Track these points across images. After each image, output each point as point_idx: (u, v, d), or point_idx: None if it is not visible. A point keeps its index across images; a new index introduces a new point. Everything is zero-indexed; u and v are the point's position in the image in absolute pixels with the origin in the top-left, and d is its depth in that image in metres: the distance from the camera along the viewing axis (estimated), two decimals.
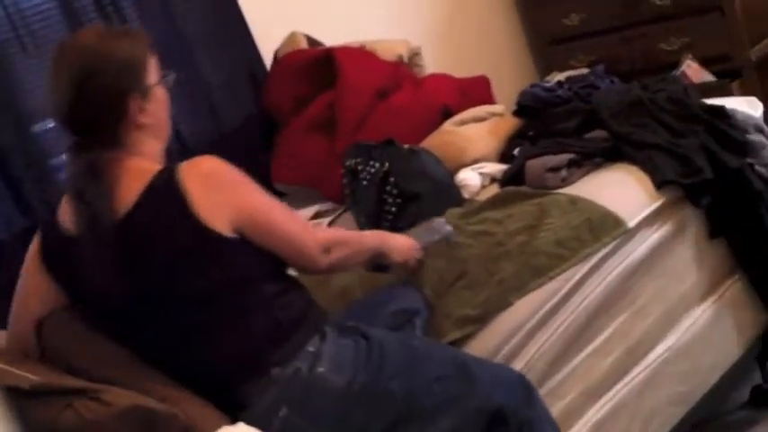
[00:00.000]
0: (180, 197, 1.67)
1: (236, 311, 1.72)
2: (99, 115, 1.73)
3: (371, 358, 1.76)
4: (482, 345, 2.01)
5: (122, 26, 1.87)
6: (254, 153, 3.23)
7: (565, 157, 2.48)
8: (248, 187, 1.77)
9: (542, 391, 2.01)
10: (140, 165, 1.74)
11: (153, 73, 1.81)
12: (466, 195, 2.60)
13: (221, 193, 1.70)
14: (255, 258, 1.75)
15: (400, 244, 2.08)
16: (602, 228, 2.20)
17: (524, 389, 1.90)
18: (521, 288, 2.07)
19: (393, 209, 2.53)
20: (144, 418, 1.51)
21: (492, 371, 1.91)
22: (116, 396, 1.54)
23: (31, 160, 2.81)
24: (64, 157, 2.90)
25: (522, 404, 1.86)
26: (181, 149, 3.15)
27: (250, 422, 1.60)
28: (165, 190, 1.69)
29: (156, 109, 1.80)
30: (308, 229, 1.94)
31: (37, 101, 2.88)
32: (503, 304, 2.04)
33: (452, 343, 2.02)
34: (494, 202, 2.43)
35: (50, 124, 2.93)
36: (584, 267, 2.14)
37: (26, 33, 2.89)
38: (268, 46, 3.39)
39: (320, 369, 1.71)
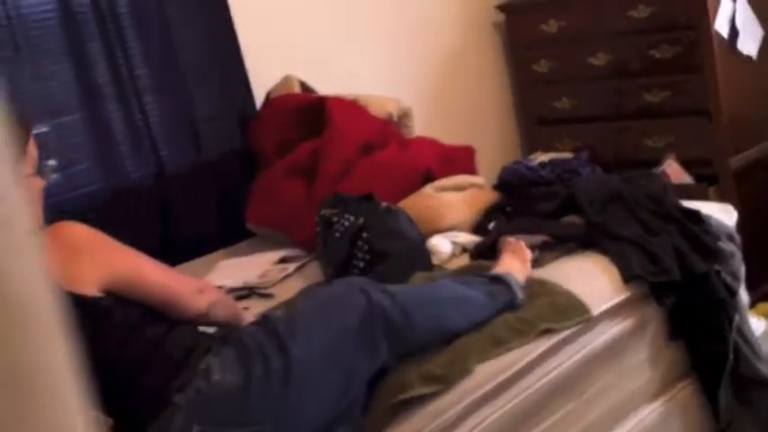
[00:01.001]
0: None
1: (131, 362, 1.76)
2: None
3: (250, 349, 1.81)
4: (437, 406, 1.98)
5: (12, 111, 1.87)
6: (232, 189, 3.23)
7: (538, 238, 2.49)
8: (107, 247, 1.81)
9: None
10: None
11: (28, 164, 1.78)
12: (435, 261, 2.60)
13: (80, 259, 1.72)
14: (133, 308, 1.79)
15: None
16: (567, 311, 2.20)
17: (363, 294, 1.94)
18: (480, 354, 2.06)
19: (361, 264, 2.52)
20: None
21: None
22: None
23: None
24: (50, 162, 2.90)
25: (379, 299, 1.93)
26: (160, 175, 3.15)
27: None
28: None
29: None
30: (178, 275, 1.99)
31: (26, 105, 2.87)
32: (464, 368, 2.02)
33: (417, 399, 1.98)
34: (461, 273, 2.43)
35: (41, 129, 2.92)
36: (543, 346, 2.12)
37: (22, 38, 2.88)
38: (261, 85, 3.41)
39: (215, 377, 1.76)
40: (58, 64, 2.95)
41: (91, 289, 1.71)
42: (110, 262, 1.77)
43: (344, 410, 1.88)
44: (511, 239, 2.39)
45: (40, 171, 1.83)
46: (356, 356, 1.89)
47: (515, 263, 2.30)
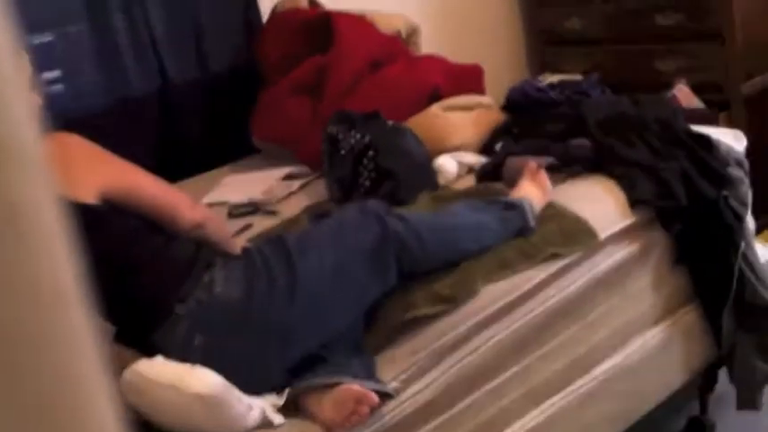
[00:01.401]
0: None
1: (131, 266, 1.77)
2: None
3: (256, 265, 1.82)
4: (441, 326, 1.99)
5: None
6: (238, 103, 3.20)
7: (546, 159, 2.47)
8: (103, 158, 1.82)
9: (485, 388, 2.01)
10: None
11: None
12: (441, 181, 2.58)
13: (76, 168, 1.72)
14: (130, 218, 1.81)
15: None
16: (574, 236, 2.19)
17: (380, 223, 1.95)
18: (485, 276, 2.06)
19: (367, 182, 2.51)
20: None
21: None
22: None
23: None
24: (42, 76, 2.87)
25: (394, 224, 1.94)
26: (165, 89, 3.12)
27: (170, 359, 1.65)
28: None
29: None
30: (173, 189, 2.01)
31: (25, 15, 2.82)
32: (471, 290, 2.02)
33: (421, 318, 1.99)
34: (468, 195, 2.42)
35: (35, 40, 2.88)
36: (548, 271, 2.13)
37: None
38: None
39: (217, 290, 1.77)
40: None
41: (88, 197, 1.72)
42: (105, 172, 1.78)
43: (348, 329, 1.90)
44: (533, 164, 2.36)
45: (35, 86, 1.82)
46: (367, 279, 1.89)
47: (534, 190, 2.28)
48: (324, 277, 1.84)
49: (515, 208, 2.19)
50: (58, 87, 2.97)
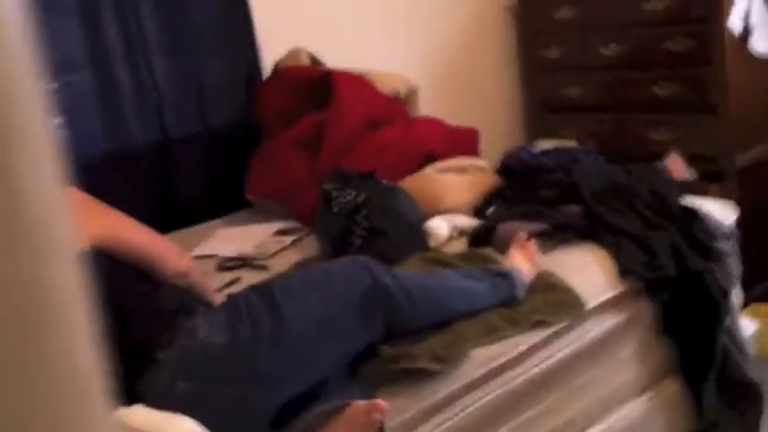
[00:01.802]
0: None
1: (118, 315, 1.75)
2: None
3: (240, 311, 1.83)
4: (426, 386, 1.98)
5: None
6: (235, 158, 3.23)
7: (537, 226, 2.49)
8: (91, 208, 1.84)
9: None
10: None
11: None
12: (432, 243, 2.60)
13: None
14: (120, 266, 1.82)
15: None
16: (561, 304, 2.20)
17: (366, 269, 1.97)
18: (474, 340, 2.07)
19: (358, 241, 2.52)
20: None
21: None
22: None
23: None
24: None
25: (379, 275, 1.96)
26: (164, 140, 3.15)
27: (151, 407, 1.63)
28: None
29: None
30: (160, 237, 2.03)
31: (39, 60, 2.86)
32: (462, 352, 2.03)
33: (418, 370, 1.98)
34: (458, 259, 2.43)
35: (50, 86, 2.91)
36: (535, 338, 2.14)
37: None
38: (270, 55, 3.40)
39: (200, 335, 1.78)
40: (68, 20, 2.93)
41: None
42: (95, 223, 1.80)
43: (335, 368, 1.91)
44: (522, 234, 2.38)
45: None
46: (353, 329, 1.90)
47: (524, 260, 2.30)
48: (309, 324, 1.85)
49: (505, 277, 2.20)
50: (59, 134, 2.99)
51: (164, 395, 1.70)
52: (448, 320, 2.07)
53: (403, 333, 1.99)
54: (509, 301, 2.17)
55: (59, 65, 2.93)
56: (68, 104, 2.98)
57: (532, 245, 2.36)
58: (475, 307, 2.11)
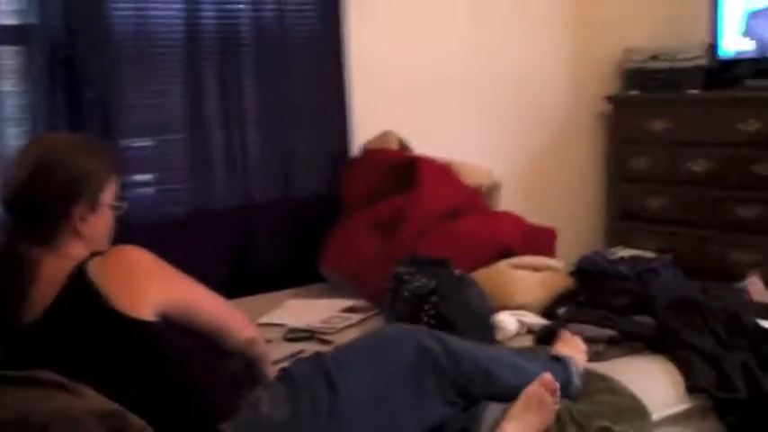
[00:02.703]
0: (93, 293, 1.72)
1: (183, 383, 1.79)
2: (39, 209, 1.80)
3: (299, 386, 1.84)
4: None
5: (98, 143, 2.02)
6: (313, 231, 3.28)
7: (606, 332, 2.46)
8: (165, 274, 1.85)
9: None
10: (61, 266, 1.78)
11: (108, 194, 1.88)
12: (498, 337, 2.58)
13: (138, 282, 1.76)
14: (184, 335, 1.83)
15: None
16: (626, 412, 2.15)
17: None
18: None
19: (425, 327, 2.52)
20: (117, 420, 1.53)
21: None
22: (95, 397, 1.58)
23: None
24: (135, 177, 3.01)
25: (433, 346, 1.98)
26: (248, 207, 3.23)
27: None
28: (78, 290, 1.74)
29: (98, 224, 1.86)
30: (229, 306, 2.01)
31: (133, 118, 2.98)
32: None
33: None
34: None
35: (136, 143, 3.03)
36: None
37: (147, 52, 3.00)
38: (360, 134, 3.48)
39: (263, 409, 1.79)
40: (173, 84, 3.07)
41: (146, 313, 1.75)
42: (165, 289, 1.82)
43: None
44: (566, 332, 2.38)
45: (116, 207, 1.92)
46: (403, 403, 1.89)
47: (572, 350, 2.28)
48: (359, 400, 1.85)
49: (560, 361, 2.20)
50: (149, 190, 3.10)
51: None
52: (502, 392, 2.04)
53: (460, 399, 1.98)
54: (565, 386, 2.12)
55: (159, 124, 3.05)
56: (161, 163, 3.09)
57: (579, 340, 2.34)
58: (525, 380, 2.06)
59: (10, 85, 2.77)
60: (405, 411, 1.90)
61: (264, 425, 1.78)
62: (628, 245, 3.64)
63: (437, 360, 1.96)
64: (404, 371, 1.92)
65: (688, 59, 3.87)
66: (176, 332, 1.82)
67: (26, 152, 1.84)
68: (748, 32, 3.75)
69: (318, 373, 1.88)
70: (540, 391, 1.96)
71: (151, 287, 1.78)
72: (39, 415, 1.50)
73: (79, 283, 1.74)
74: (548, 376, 1.99)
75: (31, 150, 1.84)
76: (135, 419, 1.55)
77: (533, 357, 2.21)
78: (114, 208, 1.91)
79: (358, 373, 1.89)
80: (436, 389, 1.95)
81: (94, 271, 1.74)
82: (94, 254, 1.80)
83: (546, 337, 2.53)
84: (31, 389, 1.57)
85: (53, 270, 1.77)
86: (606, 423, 2.10)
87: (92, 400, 1.56)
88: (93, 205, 1.84)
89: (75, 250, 1.81)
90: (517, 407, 1.96)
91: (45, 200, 1.79)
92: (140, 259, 1.81)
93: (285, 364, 2.04)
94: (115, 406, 1.56)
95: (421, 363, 1.94)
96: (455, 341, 2.07)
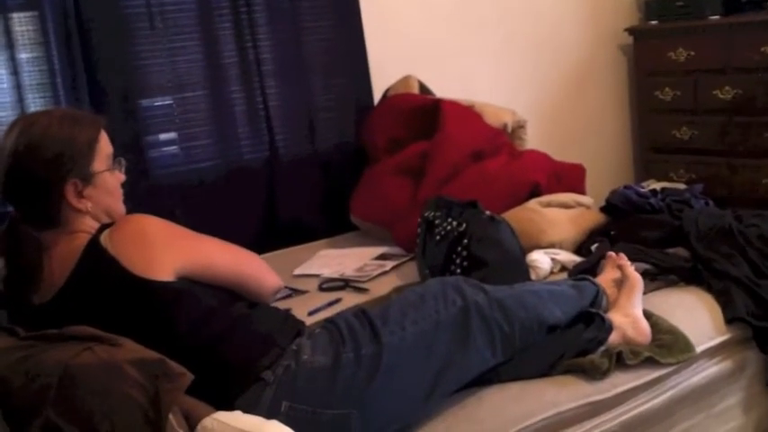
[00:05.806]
0: (109, 260, 1.73)
1: (213, 338, 1.80)
2: (31, 194, 1.79)
3: (342, 334, 1.86)
4: (520, 408, 1.96)
5: (81, 111, 1.97)
6: (340, 181, 3.28)
7: (641, 266, 2.44)
8: (176, 238, 1.85)
9: None
10: (72, 244, 1.79)
11: (99, 161, 1.85)
12: (533, 277, 2.58)
13: (150, 251, 1.76)
14: (209, 292, 1.84)
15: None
16: (671, 347, 2.14)
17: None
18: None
19: (458, 270, 2.52)
20: (156, 367, 1.54)
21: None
22: (133, 346, 1.59)
23: (128, 134, 2.89)
24: (159, 137, 3.02)
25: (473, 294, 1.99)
26: (272, 159, 3.23)
27: None
28: (94, 261, 1.75)
29: (98, 195, 1.84)
30: (249, 255, 2.01)
31: (151, 78, 2.97)
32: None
33: None
34: None
35: (156, 102, 3.03)
36: (638, 380, 2.08)
37: (158, 12, 2.98)
38: (381, 82, 3.44)
39: (304, 357, 1.81)
40: (188, 42, 3.05)
41: (165, 275, 1.76)
42: (179, 251, 1.82)
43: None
44: (612, 253, 2.43)
45: (115, 166, 1.90)
46: (450, 353, 1.90)
47: (611, 288, 2.32)
48: (405, 349, 1.86)
49: (584, 281, 2.27)
50: (173, 149, 3.10)
51: (267, 414, 1.72)
52: (553, 325, 2.07)
53: (509, 346, 1.99)
54: (595, 297, 2.21)
55: (177, 82, 3.04)
56: (184, 121, 3.08)
57: (624, 258, 2.36)
58: (569, 313, 2.12)
59: (26, 52, 2.76)
60: (449, 364, 1.90)
61: (306, 371, 1.79)
62: (658, 177, 3.61)
63: (482, 310, 1.96)
64: (448, 324, 1.92)
65: None
66: (202, 289, 1.83)
67: (4, 141, 1.81)
68: None
69: (363, 324, 1.89)
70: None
71: (165, 253, 1.78)
72: (78, 365, 1.52)
73: (94, 254, 1.75)
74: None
75: (8, 139, 1.81)
76: (175, 365, 1.56)
77: (559, 282, 2.29)
78: (113, 169, 1.89)
79: (401, 324, 1.89)
80: (484, 341, 1.95)
81: (107, 242, 1.75)
82: (105, 226, 1.80)
83: (582, 273, 2.52)
84: (69, 343, 1.58)
85: (65, 249, 1.79)
86: (652, 354, 2.09)
87: (131, 349, 1.58)
88: (86, 177, 1.82)
89: (84, 225, 1.82)
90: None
91: (34, 187, 1.78)
92: (149, 227, 1.81)
93: (325, 314, 2.05)
94: (155, 354, 1.57)
95: (465, 314, 1.94)
96: (497, 288, 2.07)
